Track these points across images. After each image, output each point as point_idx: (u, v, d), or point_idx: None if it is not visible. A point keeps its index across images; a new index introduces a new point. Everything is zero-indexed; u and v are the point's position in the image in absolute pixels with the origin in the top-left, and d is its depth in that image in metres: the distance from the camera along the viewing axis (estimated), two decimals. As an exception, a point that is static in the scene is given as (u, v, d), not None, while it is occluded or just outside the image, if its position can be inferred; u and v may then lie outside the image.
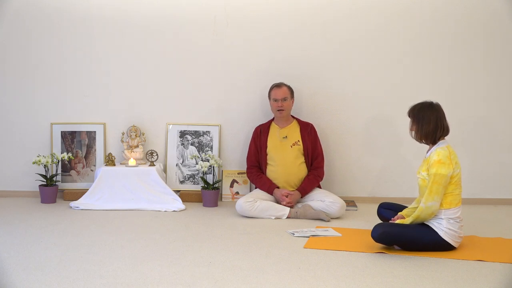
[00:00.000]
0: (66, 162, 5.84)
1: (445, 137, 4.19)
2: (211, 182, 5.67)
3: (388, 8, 5.82)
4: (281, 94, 5.42)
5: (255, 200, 5.15)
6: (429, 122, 4.13)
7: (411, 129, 4.25)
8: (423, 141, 4.21)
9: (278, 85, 5.46)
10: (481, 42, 5.88)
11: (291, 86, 5.51)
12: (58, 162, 5.75)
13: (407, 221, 4.11)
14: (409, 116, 4.26)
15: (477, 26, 5.85)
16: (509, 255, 4.03)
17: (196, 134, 5.92)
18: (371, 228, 4.67)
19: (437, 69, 5.89)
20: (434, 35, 5.86)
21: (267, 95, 5.55)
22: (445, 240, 4.04)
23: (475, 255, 3.99)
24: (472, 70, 5.90)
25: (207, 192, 5.56)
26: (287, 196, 5.26)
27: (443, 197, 4.06)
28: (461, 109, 5.88)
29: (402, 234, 4.07)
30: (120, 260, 3.78)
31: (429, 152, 4.17)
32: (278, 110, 5.44)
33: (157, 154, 5.68)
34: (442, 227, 4.04)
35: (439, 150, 4.09)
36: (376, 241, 4.11)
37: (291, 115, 5.58)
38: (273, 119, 5.60)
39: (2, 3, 5.71)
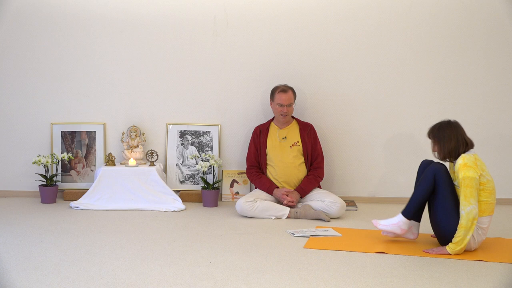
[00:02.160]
0: (66, 162, 5.84)
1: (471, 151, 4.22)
2: (211, 182, 5.67)
3: (388, 9, 5.82)
4: (287, 100, 5.40)
5: (255, 200, 5.15)
6: (450, 140, 4.16)
7: (433, 150, 4.28)
8: (447, 159, 4.22)
9: (284, 90, 5.41)
10: (481, 43, 5.88)
11: (292, 86, 5.51)
12: (58, 162, 5.75)
13: (458, 240, 4.00)
14: (429, 137, 4.30)
15: (477, 27, 5.85)
16: (509, 255, 4.04)
17: (196, 134, 5.92)
18: (371, 228, 4.69)
19: (438, 69, 5.89)
20: (435, 34, 5.86)
21: (269, 95, 5.53)
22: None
23: (475, 255, 4.00)
24: (473, 71, 5.90)
25: (207, 192, 5.56)
26: (287, 195, 5.25)
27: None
28: (462, 109, 5.89)
29: (441, 194, 4.13)
30: (120, 260, 3.79)
31: (455, 162, 4.19)
32: (281, 115, 5.44)
33: (157, 154, 5.69)
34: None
35: (464, 155, 4.11)
36: (420, 168, 4.32)
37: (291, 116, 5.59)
38: (272, 119, 5.60)
39: (2, 3, 5.71)
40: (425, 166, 4.35)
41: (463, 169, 4.04)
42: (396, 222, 4.23)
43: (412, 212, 4.23)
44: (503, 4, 5.84)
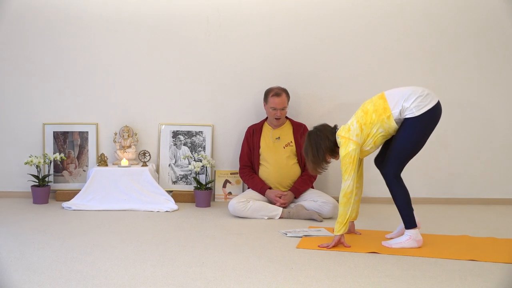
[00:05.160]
0: (59, 163, 5.82)
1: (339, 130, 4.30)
2: (203, 182, 5.67)
3: (382, 8, 5.85)
4: (281, 104, 5.40)
5: (248, 200, 5.15)
6: (310, 149, 4.27)
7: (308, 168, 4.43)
8: (321, 166, 4.36)
9: (278, 94, 5.39)
10: (474, 42, 5.92)
11: (285, 86, 5.51)
12: (51, 162, 5.73)
13: (340, 219, 4.15)
14: None
15: (469, 25, 5.90)
16: (500, 254, 4.05)
17: (189, 134, 5.91)
18: (364, 228, 4.69)
19: (433, 70, 5.93)
20: (430, 34, 5.90)
21: (263, 97, 5.52)
22: (418, 117, 4.07)
23: (467, 255, 4.00)
24: (466, 70, 5.95)
25: (199, 193, 5.55)
26: (280, 197, 5.26)
27: (389, 121, 4.10)
28: (457, 110, 5.91)
29: (398, 154, 4.18)
30: (113, 260, 3.78)
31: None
32: (275, 118, 5.44)
33: (149, 155, 5.68)
34: (415, 112, 4.06)
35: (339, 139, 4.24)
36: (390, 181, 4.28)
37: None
38: (265, 119, 5.60)
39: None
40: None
41: (341, 150, 4.19)
42: (407, 237, 4.17)
43: (412, 220, 4.21)
44: (495, 2, 5.87)
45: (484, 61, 5.95)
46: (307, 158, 4.32)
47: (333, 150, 4.29)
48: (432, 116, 4.09)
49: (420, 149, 4.23)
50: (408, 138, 4.10)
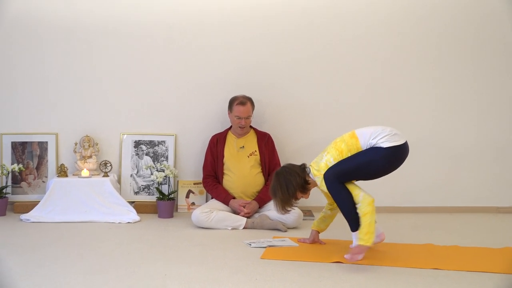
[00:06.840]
0: (17, 174, 5.70)
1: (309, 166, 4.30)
2: (166, 193, 5.61)
3: (352, 20, 5.90)
4: (245, 113, 5.37)
5: (211, 211, 5.11)
6: (278, 187, 4.20)
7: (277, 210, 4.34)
8: (290, 203, 4.26)
9: (242, 103, 5.38)
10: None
11: (249, 95, 5.49)
12: (8, 173, 5.60)
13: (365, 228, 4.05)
14: None
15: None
16: (464, 262, 4.08)
17: (151, 144, 5.85)
18: (328, 238, 4.68)
19: (394, 76, 5.98)
20: (391, 42, 5.96)
21: (227, 105, 5.49)
22: (388, 149, 4.09)
23: (431, 263, 4.02)
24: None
25: (162, 203, 5.49)
26: (244, 207, 5.23)
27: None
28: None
29: (348, 166, 4.13)
30: (73, 274, 3.70)
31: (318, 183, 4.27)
32: (239, 127, 5.41)
33: (111, 165, 5.60)
34: (382, 144, 4.10)
35: (318, 178, 4.21)
36: (327, 182, 4.14)
37: (248, 125, 5.57)
38: (229, 128, 5.57)
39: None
40: None
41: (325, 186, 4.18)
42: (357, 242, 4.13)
43: (355, 223, 4.16)
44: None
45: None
46: (274, 197, 4.23)
47: (304, 187, 4.26)
48: (397, 153, 4.13)
49: (371, 178, 4.27)
50: (364, 159, 4.13)
